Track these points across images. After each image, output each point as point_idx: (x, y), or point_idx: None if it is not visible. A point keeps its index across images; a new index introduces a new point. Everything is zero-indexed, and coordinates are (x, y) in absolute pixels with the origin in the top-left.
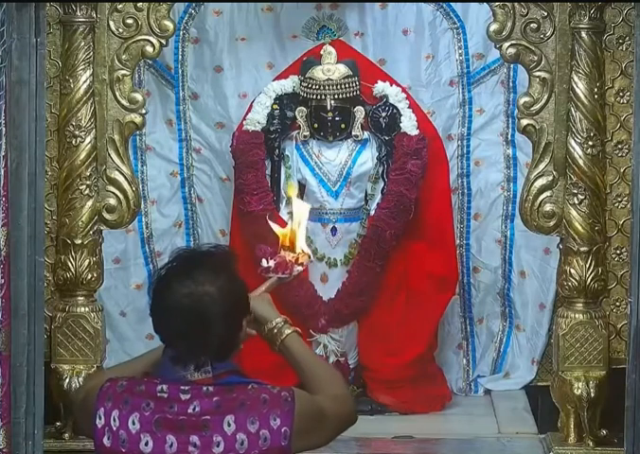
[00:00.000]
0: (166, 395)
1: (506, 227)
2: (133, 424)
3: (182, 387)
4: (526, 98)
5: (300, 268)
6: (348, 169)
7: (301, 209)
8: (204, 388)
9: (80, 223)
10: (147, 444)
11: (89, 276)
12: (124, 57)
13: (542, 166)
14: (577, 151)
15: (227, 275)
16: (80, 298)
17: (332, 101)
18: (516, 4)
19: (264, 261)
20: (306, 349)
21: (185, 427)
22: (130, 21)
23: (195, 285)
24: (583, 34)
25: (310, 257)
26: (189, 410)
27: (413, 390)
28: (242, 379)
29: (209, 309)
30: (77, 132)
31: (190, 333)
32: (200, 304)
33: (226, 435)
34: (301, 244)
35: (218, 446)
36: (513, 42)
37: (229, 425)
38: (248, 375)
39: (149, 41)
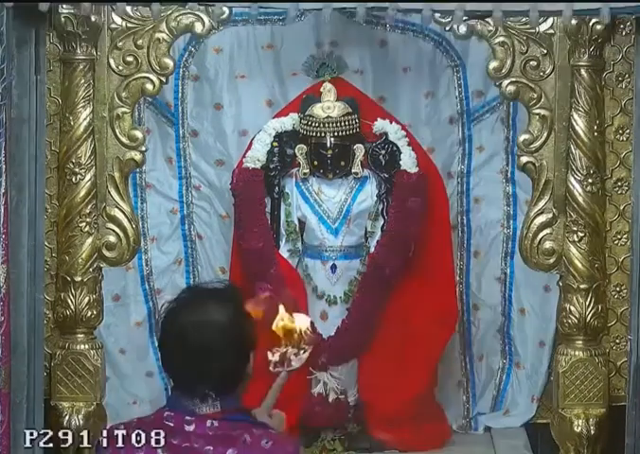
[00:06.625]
0: (172, 424)
1: (505, 264)
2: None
3: (187, 417)
4: (526, 136)
5: (306, 355)
6: (348, 207)
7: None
8: (209, 422)
9: (80, 260)
10: None
11: (89, 313)
12: (124, 94)
13: (541, 204)
14: (577, 189)
15: (234, 308)
16: (79, 335)
17: (332, 139)
18: (515, 41)
19: (269, 354)
20: None
21: (188, 453)
22: (130, 58)
23: (203, 316)
24: (583, 72)
25: (308, 334)
26: (193, 442)
27: (413, 427)
28: (248, 418)
29: (216, 340)
30: (77, 170)
31: (196, 363)
32: (207, 334)
33: None
34: (300, 323)
35: None
36: (513, 79)
37: None
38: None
39: (149, 78)
